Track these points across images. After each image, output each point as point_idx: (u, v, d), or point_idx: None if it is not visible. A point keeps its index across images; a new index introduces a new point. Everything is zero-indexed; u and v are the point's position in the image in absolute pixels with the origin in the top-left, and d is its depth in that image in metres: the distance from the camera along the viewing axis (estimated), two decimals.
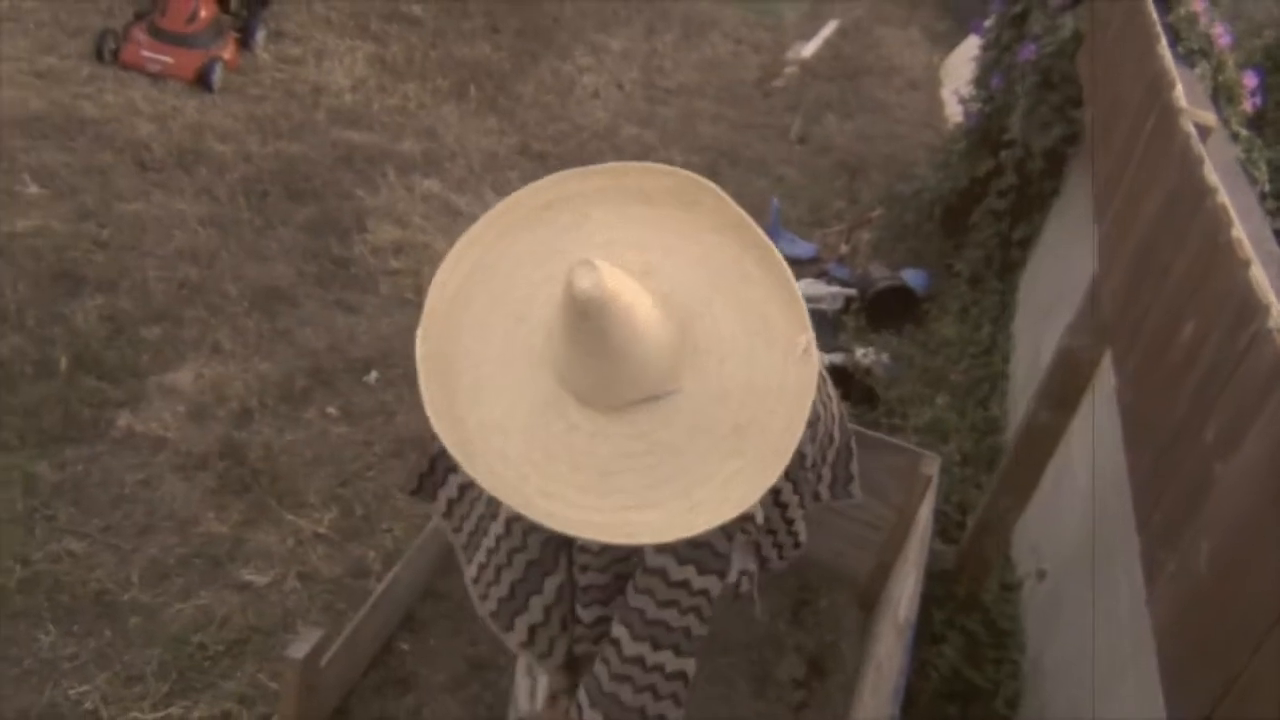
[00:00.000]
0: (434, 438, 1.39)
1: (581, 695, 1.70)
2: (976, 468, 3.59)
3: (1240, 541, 1.22)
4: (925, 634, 2.81)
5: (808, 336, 1.42)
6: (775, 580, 3.06)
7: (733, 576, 1.88)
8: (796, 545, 1.97)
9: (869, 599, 3.04)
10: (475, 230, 1.52)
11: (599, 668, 1.68)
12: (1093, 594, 2.51)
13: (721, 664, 2.81)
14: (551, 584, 1.75)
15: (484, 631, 2.72)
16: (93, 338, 3.43)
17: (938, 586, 2.88)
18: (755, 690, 2.79)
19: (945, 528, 3.29)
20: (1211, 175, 1.84)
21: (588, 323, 1.31)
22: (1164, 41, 2.59)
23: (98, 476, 2.99)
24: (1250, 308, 1.41)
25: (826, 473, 2.08)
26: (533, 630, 1.79)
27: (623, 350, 1.33)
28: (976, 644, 2.82)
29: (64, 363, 3.29)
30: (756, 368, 1.41)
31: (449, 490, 1.90)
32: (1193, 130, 2.05)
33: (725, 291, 1.46)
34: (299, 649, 2.11)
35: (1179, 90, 2.26)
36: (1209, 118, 2.17)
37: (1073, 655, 2.59)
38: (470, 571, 1.85)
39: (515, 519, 1.73)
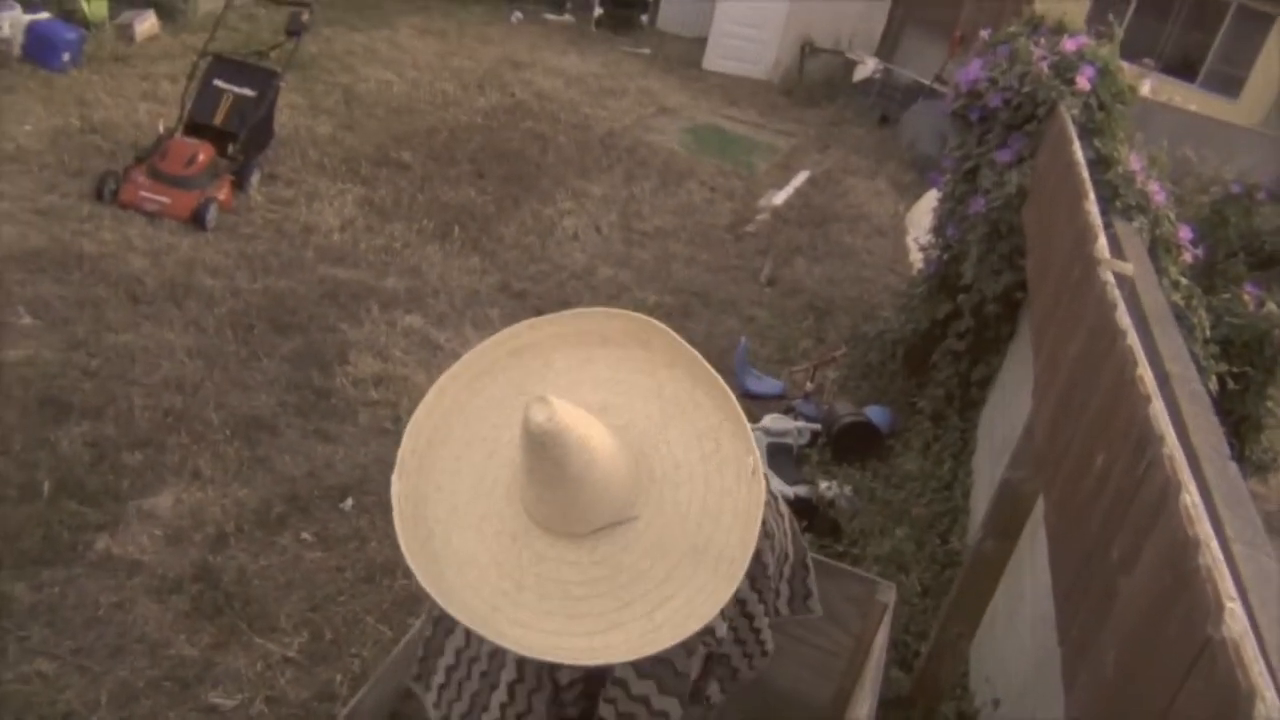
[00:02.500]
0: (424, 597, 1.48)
1: None
2: (937, 599, 3.67)
3: (1136, 650, 1.34)
4: None
5: (754, 457, 1.56)
6: (737, 705, 3.10)
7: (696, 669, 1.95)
8: (764, 654, 2.05)
9: None
10: (448, 377, 1.67)
11: None
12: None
13: None
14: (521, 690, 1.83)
15: None
16: (76, 463, 3.53)
17: (894, 713, 2.94)
18: None
19: (904, 657, 3.36)
20: (1123, 319, 2.02)
21: (545, 453, 1.43)
22: (1092, 198, 2.83)
23: (73, 598, 3.05)
24: (1147, 438, 1.56)
25: (784, 588, 2.18)
26: None
27: (580, 479, 1.45)
28: None
29: (47, 486, 3.37)
30: (710, 491, 1.54)
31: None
32: (1110, 279, 2.25)
33: (679, 420, 1.61)
34: None
35: (1101, 242, 2.47)
36: (1127, 267, 2.37)
37: None
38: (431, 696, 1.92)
39: (465, 647, 1.83)
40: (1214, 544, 1.28)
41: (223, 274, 5.02)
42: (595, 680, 1.86)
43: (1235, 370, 4.19)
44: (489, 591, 1.46)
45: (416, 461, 1.58)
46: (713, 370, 1.64)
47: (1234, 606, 1.17)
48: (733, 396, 1.62)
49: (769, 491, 2.05)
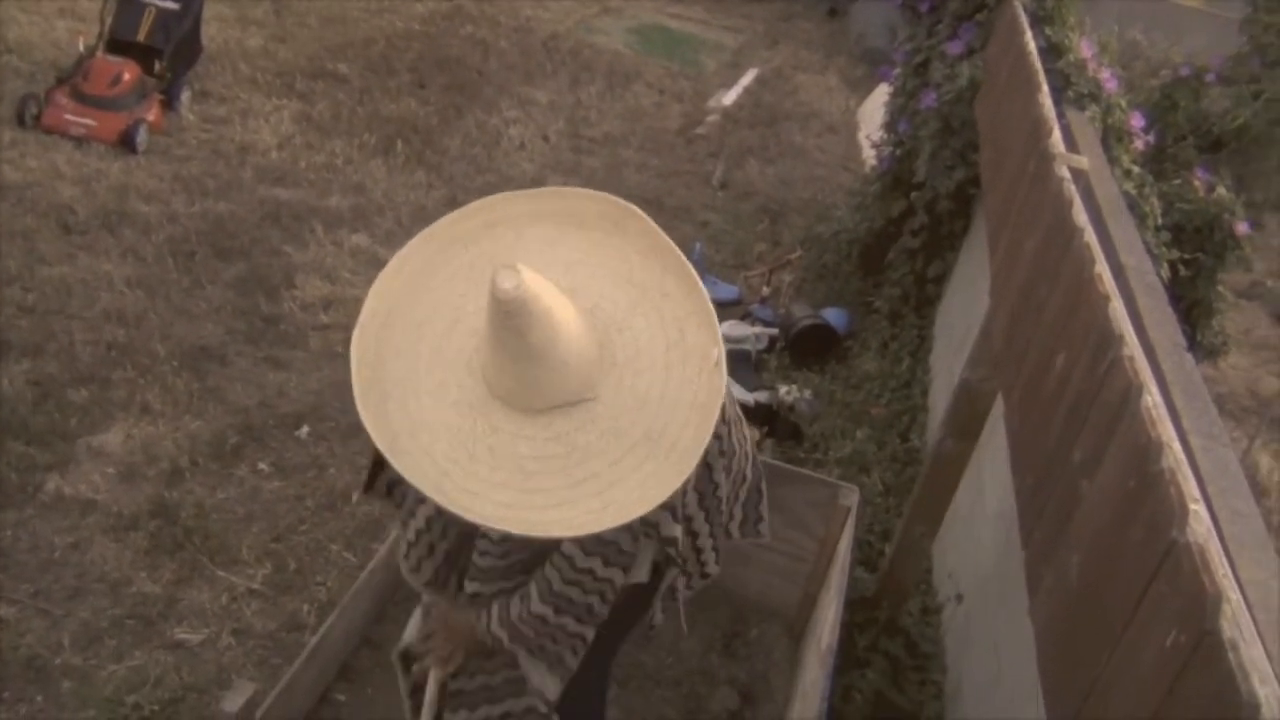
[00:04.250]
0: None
1: (493, 610, 1.85)
2: (899, 497, 3.72)
3: (1100, 554, 1.34)
4: (850, 659, 2.91)
5: (719, 350, 1.54)
6: (707, 613, 3.15)
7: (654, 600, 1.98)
8: (704, 575, 2.07)
9: (797, 629, 3.13)
10: (417, 242, 1.64)
11: (514, 604, 1.82)
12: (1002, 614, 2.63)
13: (655, 697, 2.88)
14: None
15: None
16: (19, 402, 3.43)
17: (860, 612, 2.99)
18: None
19: (868, 556, 3.41)
20: (1080, 216, 1.99)
21: (509, 321, 1.41)
22: (1045, 90, 2.77)
23: (26, 541, 2.99)
24: (1107, 338, 1.54)
25: (738, 511, 2.18)
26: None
27: (542, 350, 1.44)
28: (899, 667, 2.93)
29: None
30: (671, 379, 1.54)
31: (392, 474, 2.00)
32: (1066, 174, 2.21)
33: (646, 307, 1.60)
34: (232, 703, 2.14)
35: (1056, 136, 2.42)
36: (1082, 161, 2.33)
37: (989, 676, 2.70)
38: (402, 546, 2.00)
39: (437, 516, 1.88)
40: (1176, 446, 1.27)
41: (158, 199, 4.85)
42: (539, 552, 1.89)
43: (1186, 256, 4.22)
44: (440, 458, 1.46)
45: (379, 323, 1.56)
46: (685, 260, 1.62)
47: (1198, 509, 1.16)
48: (703, 288, 1.59)
49: (734, 413, 2.04)
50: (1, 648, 2.68)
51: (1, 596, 2.82)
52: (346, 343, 3.93)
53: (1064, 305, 1.82)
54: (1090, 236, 1.89)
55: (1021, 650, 2.47)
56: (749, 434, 2.19)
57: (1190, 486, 1.19)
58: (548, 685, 1.89)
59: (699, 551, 1.99)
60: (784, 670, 3.07)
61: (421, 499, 1.86)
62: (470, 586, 1.92)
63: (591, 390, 1.50)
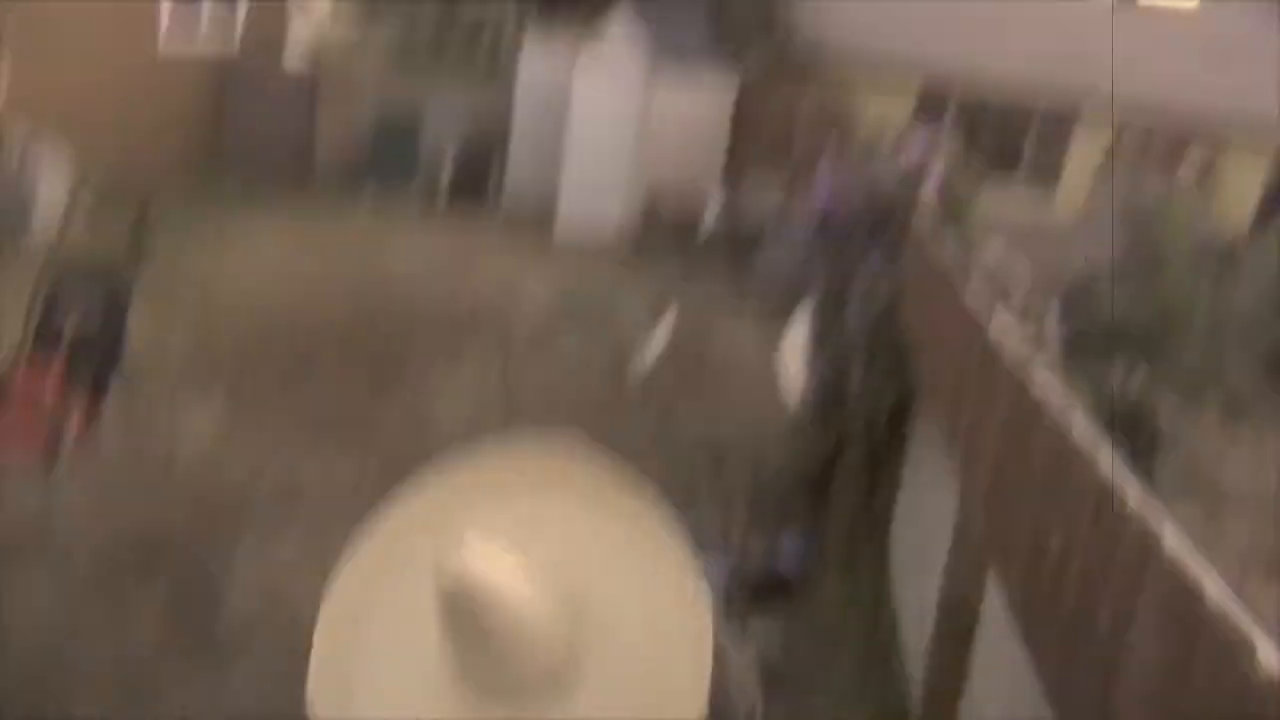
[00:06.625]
0: None
1: None
2: None
3: (1163, 710, 1.25)
4: None
5: (695, 583, 1.44)
6: None
7: None
8: None
9: None
10: (359, 541, 1.55)
11: None
12: None
13: None
14: None
15: None
16: None
17: None
18: None
19: None
20: (1037, 392, 2.01)
21: (458, 611, 1.31)
22: (971, 285, 2.89)
23: None
24: (1106, 495, 1.51)
25: None
26: None
27: (500, 633, 1.32)
28: None
29: None
30: (654, 629, 1.41)
31: None
32: (1014, 358, 2.26)
33: (613, 556, 1.49)
34: None
35: (994, 324, 2.50)
36: (1021, 345, 2.39)
37: None
38: None
39: None
40: (1215, 580, 1.22)
41: (82, 511, 4.66)
42: None
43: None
44: None
45: (332, 625, 1.41)
46: (637, 495, 1.56)
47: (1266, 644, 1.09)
48: (661, 521, 1.53)
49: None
50: None
51: None
52: (287, 651, 3.72)
53: (1048, 473, 1.80)
54: (1054, 408, 1.90)
55: None
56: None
57: (1245, 618, 1.13)
58: None
59: None
60: None
61: None
62: None
63: (572, 664, 1.37)
